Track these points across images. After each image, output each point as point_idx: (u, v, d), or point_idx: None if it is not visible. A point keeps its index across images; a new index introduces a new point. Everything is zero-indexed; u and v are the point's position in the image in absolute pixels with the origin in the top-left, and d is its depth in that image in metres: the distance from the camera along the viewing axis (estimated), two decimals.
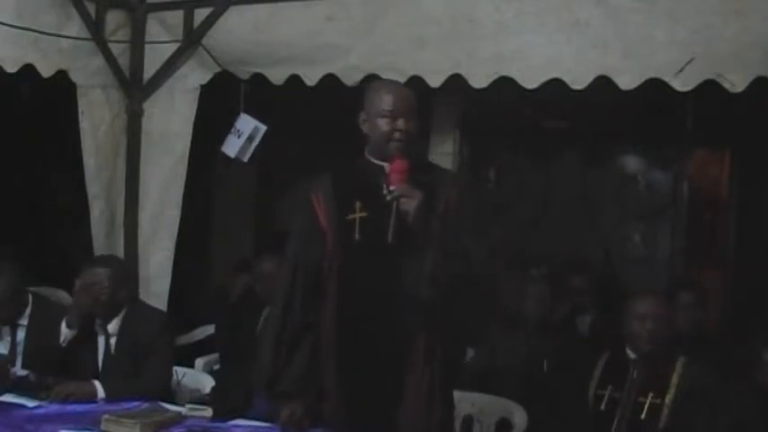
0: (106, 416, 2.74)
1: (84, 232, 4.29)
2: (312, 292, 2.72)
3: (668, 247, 5.77)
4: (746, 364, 3.33)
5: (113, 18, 4.16)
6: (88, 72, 4.10)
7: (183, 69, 4.25)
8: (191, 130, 4.27)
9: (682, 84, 3.26)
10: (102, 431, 2.71)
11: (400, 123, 2.64)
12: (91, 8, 4.04)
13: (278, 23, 3.93)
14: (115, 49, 4.18)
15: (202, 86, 4.25)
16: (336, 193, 2.74)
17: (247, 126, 4.21)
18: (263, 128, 4.22)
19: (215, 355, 4.63)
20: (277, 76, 4.02)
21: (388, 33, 3.72)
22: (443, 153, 4.77)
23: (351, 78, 3.81)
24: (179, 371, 3.68)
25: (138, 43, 4.25)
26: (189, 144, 4.28)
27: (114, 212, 4.31)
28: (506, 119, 5.38)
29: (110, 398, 3.13)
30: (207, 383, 3.82)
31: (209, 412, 2.94)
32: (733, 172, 5.59)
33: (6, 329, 3.66)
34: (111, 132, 4.24)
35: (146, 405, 2.99)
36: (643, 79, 3.30)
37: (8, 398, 3.09)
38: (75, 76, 4.05)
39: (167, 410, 2.94)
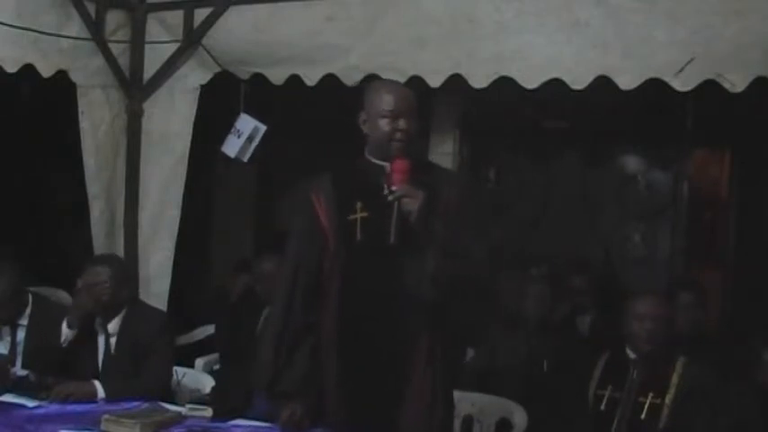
0: (106, 416, 2.74)
1: (84, 232, 4.29)
2: (313, 292, 2.72)
3: (668, 247, 5.77)
4: (746, 364, 3.33)
5: (113, 18, 4.16)
6: (88, 72, 4.10)
7: (183, 69, 4.25)
8: (191, 130, 4.27)
9: (682, 84, 3.26)
10: (102, 431, 2.71)
11: (401, 123, 2.64)
12: (91, 8, 4.03)
13: (278, 23, 3.93)
14: (115, 49, 4.17)
15: (202, 86, 4.25)
16: (337, 193, 2.73)
17: (247, 126, 4.21)
18: (263, 128, 4.22)
19: (215, 355, 4.63)
20: (277, 76, 4.02)
21: (388, 33, 3.72)
22: (443, 153, 4.77)
23: (351, 78, 3.81)
24: (179, 371, 3.68)
25: (138, 43, 4.25)
26: (189, 144, 4.28)
27: (114, 212, 4.31)
28: (506, 119, 5.38)
29: (110, 398, 3.13)
30: (207, 383, 3.82)
31: (209, 412, 2.93)
32: (733, 172, 5.60)
33: (6, 329, 3.66)
34: (111, 132, 4.24)
35: (146, 405, 2.99)
36: (643, 79, 3.30)
37: (8, 398, 3.09)
38: (75, 76, 4.05)
39: (167, 410, 2.94)
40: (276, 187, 6.21)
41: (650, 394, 3.16)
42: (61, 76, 3.97)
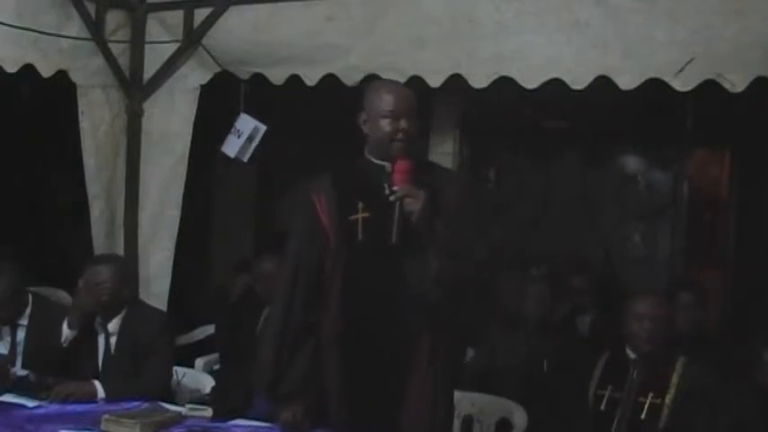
0: (106, 416, 2.74)
1: (84, 232, 4.29)
2: (313, 292, 2.72)
3: (668, 247, 5.77)
4: (746, 364, 3.33)
5: (113, 18, 4.16)
6: (88, 72, 4.10)
7: (183, 69, 4.25)
8: (191, 130, 4.27)
9: (682, 84, 3.26)
10: (102, 431, 2.71)
11: (402, 123, 2.64)
12: (91, 8, 4.03)
13: (278, 23, 3.93)
14: (115, 49, 4.17)
15: (202, 86, 4.25)
16: (337, 192, 2.73)
17: (247, 126, 4.21)
18: (263, 128, 4.22)
19: (215, 355, 4.63)
20: (277, 76, 4.02)
21: (388, 33, 3.72)
22: (443, 153, 4.77)
23: (351, 78, 3.81)
24: (179, 371, 3.68)
25: (138, 43, 4.25)
26: (189, 144, 4.28)
27: (114, 212, 4.31)
28: (506, 119, 5.38)
29: (110, 398, 3.13)
30: (207, 383, 3.82)
31: (209, 412, 2.93)
32: (733, 172, 5.60)
33: (6, 329, 3.66)
34: (111, 132, 4.24)
35: (146, 405, 2.99)
36: (643, 79, 3.30)
37: (8, 398, 3.09)
38: (75, 76, 4.05)
39: (167, 410, 2.94)
40: (276, 187, 6.21)
41: (650, 394, 3.16)
42: (61, 76, 3.97)
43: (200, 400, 3.41)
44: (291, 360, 2.71)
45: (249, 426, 2.86)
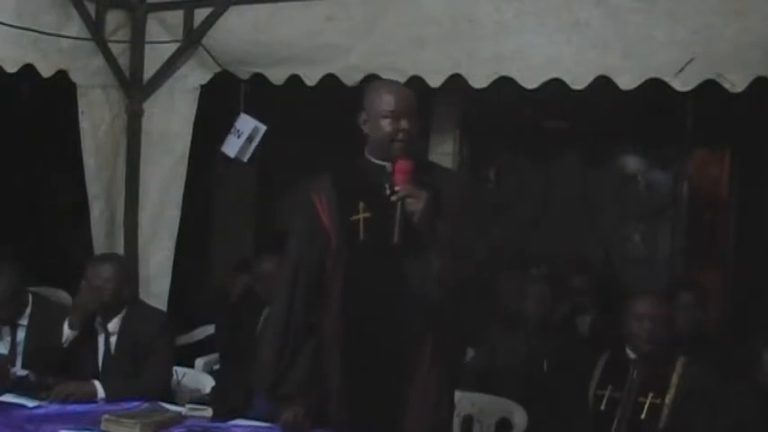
0: (106, 416, 2.74)
1: (84, 232, 4.29)
2: (314, 292, 2.72)
3: (668, 247, 5.77)
4: (746, 364, 3.33)
5: (113, 18, 4.16)
6: (88, 72, 4.10)
7: (183, 69, 4.25)
8: (191, 130, 4.27)
9: (682, 84, 3.26)
10: (102, 431, 2.71)
11: (403, 123, 2.63)
12: (91, 8, 4.03)
13: (278, 23, 3.93)
14: (115, 49, 4.18)
15: (202, 86, 4.25)
16: (337, 192, 2.73)
17: (247, 126, 4.21)
18: (263, 128, 4.22)
19: (215, 355, 4.63)
20: (277, 76, 4.02)
21: (388, 33, 3.72)
22: (443, 153, 4.78)
23: (351, 78, 3.81)
24: (179, 371, 3.68)
25: (138, 43, 4.25)
26: (189, 144, 4.28)
27: (114, 212, 4.31)
28: (506, 119, 5.38)
29: (110, 398, 3.13)
30: (207, 383, 3.82)
31: (209, 412, 2.93)
32: (733, 172, 5.60)
33: (6, 329, 3.66)
34: (111, 132, 4.24)
35: (146, 405, 2.99)
36: (643, 79, 3.30)
37: (8, 398, 3.09)
38: (75, 76, 4.05)
39: (167, 410, 2.94)
40: (276, 187, 6.21)
41: (650, 394, 3.16)
42: (61, 76, 3.97)
43: (200, 400, 3.40)
44: (292, 360, 2.71)
45: (249, 426, 2.86)
